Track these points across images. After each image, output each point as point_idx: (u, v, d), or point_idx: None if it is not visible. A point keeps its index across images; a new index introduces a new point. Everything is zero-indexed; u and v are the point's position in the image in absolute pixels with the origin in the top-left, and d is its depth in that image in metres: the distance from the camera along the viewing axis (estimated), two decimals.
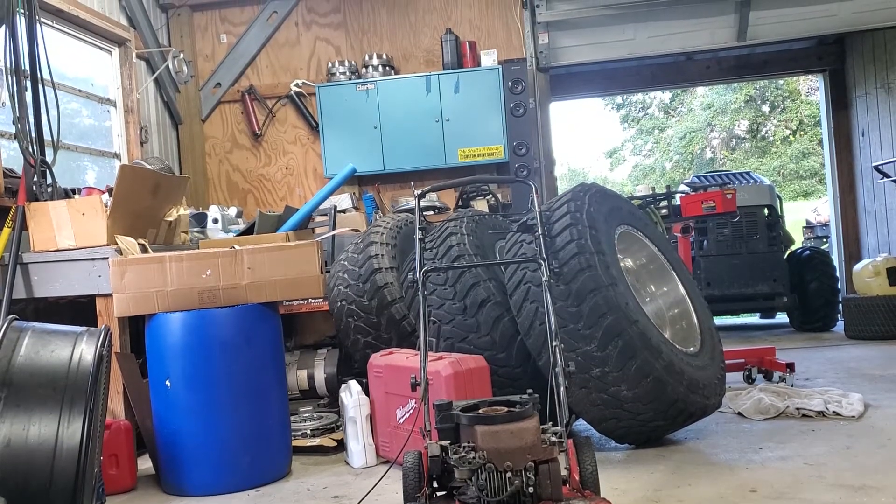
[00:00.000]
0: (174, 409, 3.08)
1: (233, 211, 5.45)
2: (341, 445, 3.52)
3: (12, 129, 3.85)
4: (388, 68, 6.36)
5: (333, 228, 5.05)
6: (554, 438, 2.10)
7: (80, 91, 5.32)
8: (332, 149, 6.18)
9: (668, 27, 6.64)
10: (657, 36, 6.69)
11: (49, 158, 3.92)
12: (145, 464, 3.41)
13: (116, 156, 5.73)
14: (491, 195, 5.97)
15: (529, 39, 6.45)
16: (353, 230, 5.09)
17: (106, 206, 3.61)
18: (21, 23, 3.86)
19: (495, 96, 6.12)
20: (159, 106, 6.26)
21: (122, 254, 3.45)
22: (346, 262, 3.85)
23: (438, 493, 2.15)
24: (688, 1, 6.50)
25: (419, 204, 2.97)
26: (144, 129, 5.88)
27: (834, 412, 3.58)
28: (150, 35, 6.03)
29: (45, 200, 3.74)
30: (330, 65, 6.38)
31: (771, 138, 23.68)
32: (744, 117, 23.85)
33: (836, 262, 7.81)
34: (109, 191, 3.98)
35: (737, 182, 7.63)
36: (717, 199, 5.11)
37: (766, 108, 23.81)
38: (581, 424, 3.51)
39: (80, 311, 3.83)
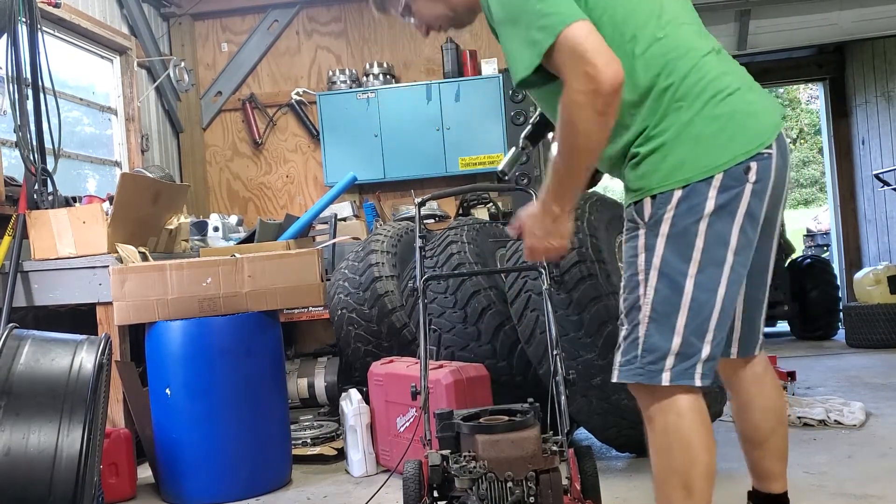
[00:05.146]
0: (174, 417, 3.08)
1: (233, 219, 5.45)
2: (341, 454, 3.51)
3: (13, 138, 3.85)
4: (388, 77, 6.36)
5: (334, 236, 5.05)
6: (555, 447, 2.10)
7: (81, 99, 5.33)
8: (333, 157, 6.17)
9: None
10: None
11: (50, 167, 3.92)
12: (145, 472, 3.40)
13: (117, 164, 5.73)
14: (492, 203, 5.97)
15: None
16: (353, 238, 5.09)
17: (106, 215, 3.61)
18: (23, 31, 3.87)
19: (496, 105, 6.12)
20: (160, 114, 6.26)
21: (122, 262, 3.45)
22: (346, 271, 3.85)
23: (439, 503, 2.14)
24: None
25: (419, 212, 2.96)
26: (145, 138, 5.88)
27: (835, 421, 3.57)
28: (152, 44, 6.04)
29: (46, 209, 3.74)
30: (330, 73, 6.38)
31: None
32: None
33: (836, 271, 7.80)
34: (110, 199, 3.98)
35: None
36: None
37: None
38: (582, 433, 3.50)
39: (80, 319, 3.83)
